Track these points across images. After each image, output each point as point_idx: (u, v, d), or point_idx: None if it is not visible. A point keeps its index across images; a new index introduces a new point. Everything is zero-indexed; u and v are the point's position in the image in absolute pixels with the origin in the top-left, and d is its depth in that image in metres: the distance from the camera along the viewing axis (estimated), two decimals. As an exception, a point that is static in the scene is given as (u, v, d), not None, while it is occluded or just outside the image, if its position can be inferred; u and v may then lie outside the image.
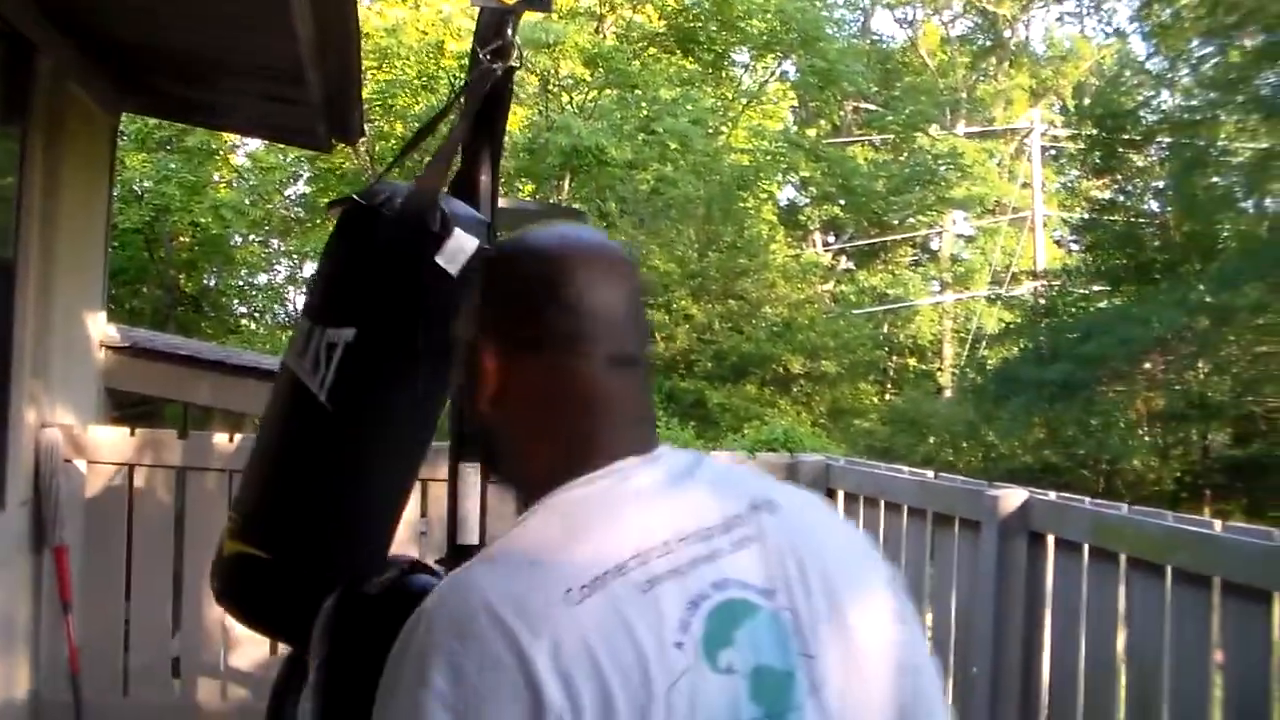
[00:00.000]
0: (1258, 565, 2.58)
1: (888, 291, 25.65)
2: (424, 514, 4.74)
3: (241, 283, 24.72)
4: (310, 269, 24.69)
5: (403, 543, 4.66)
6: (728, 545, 1.14)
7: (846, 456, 5.30)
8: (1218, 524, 2.82)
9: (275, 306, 25.41)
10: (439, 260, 2.13)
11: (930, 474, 4.50)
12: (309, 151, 19.76)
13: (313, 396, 2.31)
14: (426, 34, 20.23)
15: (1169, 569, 2.88)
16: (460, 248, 2.13)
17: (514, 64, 2.32)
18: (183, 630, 4.51)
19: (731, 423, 15.36)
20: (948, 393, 24.86)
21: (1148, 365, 14.09)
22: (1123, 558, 3.09)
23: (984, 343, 24.86)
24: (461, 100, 2.40)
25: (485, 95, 2.32)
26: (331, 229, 2.50)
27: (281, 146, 19.99)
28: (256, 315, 25.23)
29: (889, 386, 24.48)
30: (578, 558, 1.08)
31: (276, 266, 25.36)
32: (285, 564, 2.35)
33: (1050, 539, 3.43)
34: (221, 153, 21.48)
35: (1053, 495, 3.61)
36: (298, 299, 26.64)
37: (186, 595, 4.45)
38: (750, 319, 17.57)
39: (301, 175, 23.67)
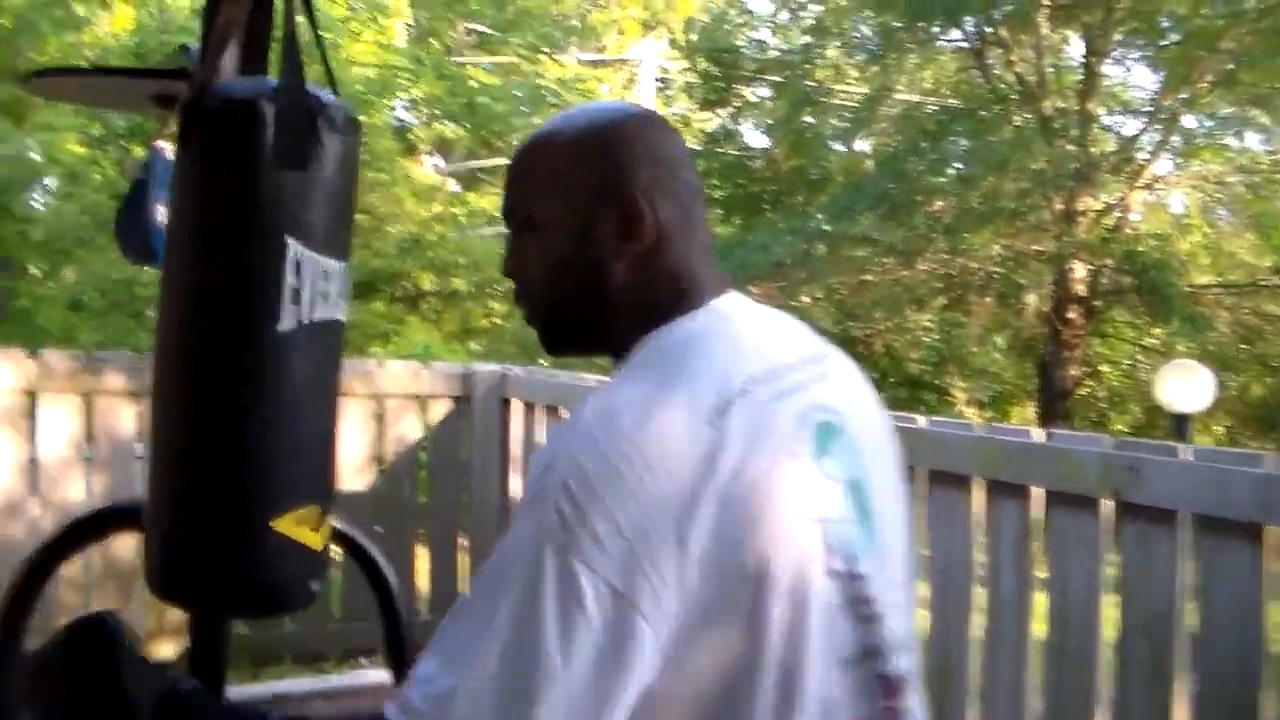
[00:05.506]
0: (961, 453, 2.87)
1: (497, 214, 25.72)
2: (91, 437, 4.43)
3: None
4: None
5: (70, 462, 4.36)
6: (814, 376, 1.27)
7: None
8: (921, 419, 3.09)
9: None
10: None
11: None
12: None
13: None
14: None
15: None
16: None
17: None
18: None
19: (359, 340, 15.07)
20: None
21: (762, 290, 14.84)
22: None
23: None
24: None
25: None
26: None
27: None
28: None
29: (498, 309, 24.74)
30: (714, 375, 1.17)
31: None
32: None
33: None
34: None
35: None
36: None
37: None
38: (378, 235, 17.21)
39: None
